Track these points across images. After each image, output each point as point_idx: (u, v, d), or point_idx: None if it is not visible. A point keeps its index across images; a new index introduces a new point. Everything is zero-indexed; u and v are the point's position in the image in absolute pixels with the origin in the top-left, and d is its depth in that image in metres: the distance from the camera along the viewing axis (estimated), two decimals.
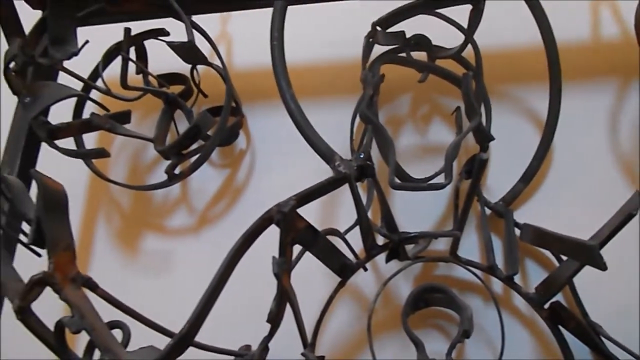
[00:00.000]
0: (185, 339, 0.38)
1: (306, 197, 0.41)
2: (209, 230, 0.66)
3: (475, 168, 0.46)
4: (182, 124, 0.65)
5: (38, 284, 0.36)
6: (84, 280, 0.39)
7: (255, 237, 0.40)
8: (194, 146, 0.61)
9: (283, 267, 0.41)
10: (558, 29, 0.57)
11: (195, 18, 0.62)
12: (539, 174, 0.58)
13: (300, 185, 0.44)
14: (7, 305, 0.58)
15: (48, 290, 0.39)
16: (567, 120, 0.58)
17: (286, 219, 0.40)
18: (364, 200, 0.53)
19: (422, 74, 0.60)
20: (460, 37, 0.57)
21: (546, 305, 0.50)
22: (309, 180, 0.46)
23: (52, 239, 0.38)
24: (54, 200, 0.38)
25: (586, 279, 0.51)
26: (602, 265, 0.38)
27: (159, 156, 0.67)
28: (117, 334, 0.41)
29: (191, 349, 0.46)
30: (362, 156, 0.46)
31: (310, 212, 0.45)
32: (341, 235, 0.52)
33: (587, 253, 0.39)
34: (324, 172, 0.51)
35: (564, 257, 0.50)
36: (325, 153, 0.45)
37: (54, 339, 0.38)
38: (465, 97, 0.52)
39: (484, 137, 0.52)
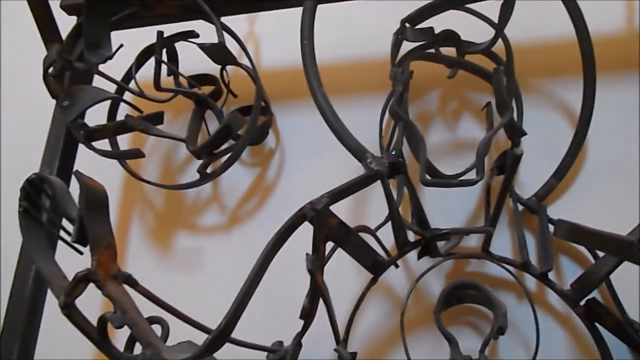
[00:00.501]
0: (223, 334, 0.38)
1: (339, 194, 0.42)
2: (240, 228, 0.67)
3: (509, 164, 0.46)
4: (213, 124, 0.66)
5: (82, 280, 0.37)
6: (125, 277, 0.41)
7: (289, 234, 0.41)
8: (225, 145, 0.62)
9: (316, 263, 0.42)
10: (591, 21, 0.56)
11: (222, 19, 0.63)
12: (572, 170, 0.57)
13: (329, 183, 0.45)
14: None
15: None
16: (601, 114, 0.57)
17: (319, 216, 0.40)
18: (395, 197, 0.53)
19: (451, 70, 0.60)
20: (489, 32, 0.56)
21: (582, 302, 0.50)
22: (338, 177, 0.46)
23: (94, 237, 0.39)
24: (96, 200, 0.40)
25: (623, 275, 0.50)
26: None
27: (190, 156, 0.69)
28: (156, 329, 0.42)
29: (225, 344, 0.47)
30: (393, 153, 0.46)
31: (340, 210, 0.45)
32: (372, 232, 0.52)
33: (626, 248, 0.39)
34: (353, 169, 0.52)
35: (600, 254, 0.49)
36: (357, 151, 0.46)
37: (97, 333, 0.39)
38: (496, 92, 0.51)
39: (516, 132, 0.52)
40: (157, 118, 0.62)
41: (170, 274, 0.67)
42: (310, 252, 0.43)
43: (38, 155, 0.65)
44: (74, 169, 0.64)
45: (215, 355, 0.47)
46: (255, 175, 0.68)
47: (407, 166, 0.46)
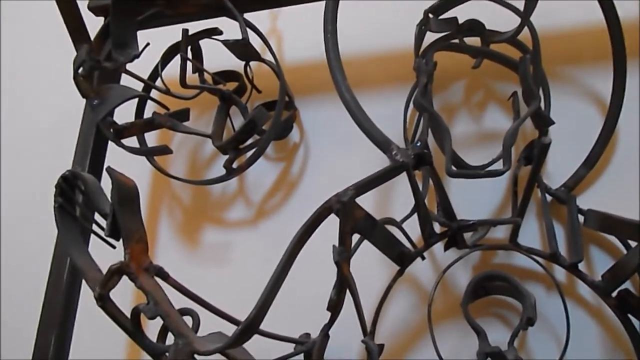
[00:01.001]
0: (252, 325, 0.39)
1: (364, 186, 0.42)
2: (266, 222, 0.67)
3: (537, 153, 0.45)
4: (237, 120, 0.67)
5: (116, 273, 0.38)
6: (156, 270, 0.42)
7: (315, 227, 0.41)
8: (250, 141, 0.63)
9: (343, 255, 0.42)
10: (620, 5, 0.54)
11: (245, 15, 0.63)
12: (602, 159, 0.56)
13: (354, 176, 0.45)
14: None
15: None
16: (632, 101, 0.56)
17: (345, 208, 0.41)
18: (421, 189, 0.53)
19: (476, 60, 0.59)
20: (514, 21, 0.55)
21: (614, 294, 0.49)
22: (363, 171, 0.46)
23: (127, 231, 0.40)
24: (127, 195, 0.41)
25: None
26: None
27: (216, 152, 0.70)
28: (187, 320, 0.43)
29: (254, 335, 0.48)
30: (418, 145, 0.46)
31: (366, 202, 0.46)
32: (398, 225, 0.52)
33: None
34: (378, 162, 0.52)
35: (633, 244, 0.48)
36: (382, 143, 0.46)
37: (131, 324, 0.40)
38: (523, 81, 0.51)
39: (543, 122, 0.51)
40: (184, 115, 0.63)
41: (199, 268, 0.68)
42: (336, 244, 0.43)
43: (70, 153, 0.67)
44: (105, 165, 0.66)
45: (244, 346, 0.48)
46: (280, 170, 0.69)
47: (432, 157, 0.46)
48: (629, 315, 0.48)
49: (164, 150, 0.61)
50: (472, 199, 0.58)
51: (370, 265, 0.56)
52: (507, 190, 0.58)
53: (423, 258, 0.53)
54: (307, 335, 0.57)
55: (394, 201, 0.62)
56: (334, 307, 0.46)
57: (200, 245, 0.70)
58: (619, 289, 0.48)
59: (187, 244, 0.70)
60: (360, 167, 0.51)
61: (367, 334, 0.50)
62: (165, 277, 0.42)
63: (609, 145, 0.56)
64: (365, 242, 0.50)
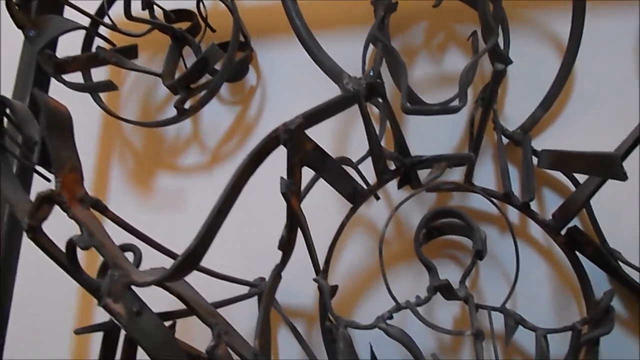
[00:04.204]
0: (193, 256, 0.37)
1: (314, 115, 0.40)
2: (221, 168, 0.65)
3: (492, 79, 0.44)
4: (190, 61, 0.64)
5: (45, 201, 0.36)
6: (93, 202, 0.39)
7: (261, 157, 0.39)
8: (203, 81, 0.60)
9: (291, 187, 0.40)
10: None
11: None
12: (559, 100, 0.55)
13: None
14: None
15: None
16: (589, 43, 0.55)
17: (293, 137, 0.39)
18: (377, 129, 0.51)
19: None
20: None
21: (563, 232, 0.49)
22: None
23: (58, 159, 0.38)
24: (58, 120, 0.38)
25: (604, 207, 0.50)
26: (622, 176, 0.36)
27: (170, 96, 0.67)
28: (129, 257, 0.41)
29: (209, 279, 0.47)
30: (371, 74, 0.44)
31: (323, 145, 0.44)
32: (353, 165, 0.51)
33: (608, 164, 0.38)
34: None
35: (581, 183, 0.48)
36: (333, 71, 0.44)
37: (66, 257, 0.38)
38: (481, 17, 0.49)
39: (501, 59, 0.50)
40: (131, 51, 0.60)
41: (153, 215, 0.66)
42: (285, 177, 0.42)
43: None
44: None
45: (200, 290, 0.47)
46: (236, 114, 0.67)
47: (385, 89, 0.45)
48: (577, 253, 0.49)
49: (109, 86, 0.58)
50: (430, 142, 0.57)
51: (323, 205, 0.55)
52: (464, 132, 0.58)
53: (377, 198, 0.52)
54: (262, 279, 0.57)
55: (352, 145, 0.61)
56: (285, 245, 0.45)
57: (153, 192, 0.67)
58: (568, 226, 0.48)
59: (140, 190, 0.68)
60: None
61: (319, 273, 0.50)
62: (103, 210, 0.40)
63: (565, 87, 0.55)
64: (320, 188, 0.49)
